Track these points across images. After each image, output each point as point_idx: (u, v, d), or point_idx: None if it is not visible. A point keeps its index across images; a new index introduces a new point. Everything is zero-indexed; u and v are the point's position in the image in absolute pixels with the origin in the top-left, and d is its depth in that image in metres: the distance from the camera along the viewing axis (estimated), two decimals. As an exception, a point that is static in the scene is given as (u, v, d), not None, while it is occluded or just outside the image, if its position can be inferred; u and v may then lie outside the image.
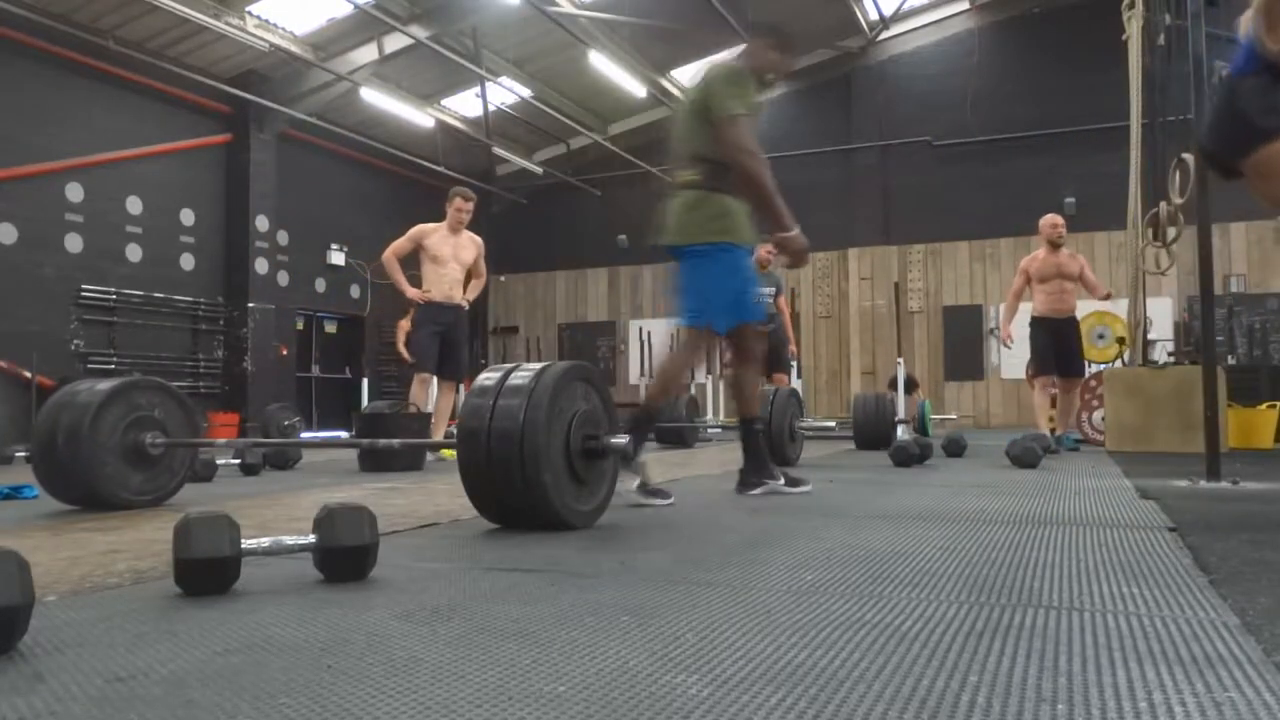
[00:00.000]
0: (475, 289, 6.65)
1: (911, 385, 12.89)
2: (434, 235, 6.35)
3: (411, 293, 6.31)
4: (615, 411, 2.87)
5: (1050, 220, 6.99)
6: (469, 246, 6.47)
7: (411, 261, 6.40)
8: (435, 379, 6.54)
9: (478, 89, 13.88)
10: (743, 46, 3.86)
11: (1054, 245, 6.86)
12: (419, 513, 3.11)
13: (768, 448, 5.44)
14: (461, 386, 6.96)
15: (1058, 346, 6.80)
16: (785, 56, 3.78)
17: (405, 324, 11.73)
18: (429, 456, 6.01)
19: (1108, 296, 7.05)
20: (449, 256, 6.37)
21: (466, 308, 6.55)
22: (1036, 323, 6.89)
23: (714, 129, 3.46)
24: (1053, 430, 7.09)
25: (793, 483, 3.71)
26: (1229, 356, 11.82)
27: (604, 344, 17.10)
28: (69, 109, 10.38)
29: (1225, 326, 12.00)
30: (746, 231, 3.62)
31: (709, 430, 11.57)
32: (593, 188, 16.67)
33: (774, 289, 7.88)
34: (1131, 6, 7.21)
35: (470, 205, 6.44)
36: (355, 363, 14.82)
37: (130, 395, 3.50)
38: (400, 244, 6.35)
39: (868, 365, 15.11)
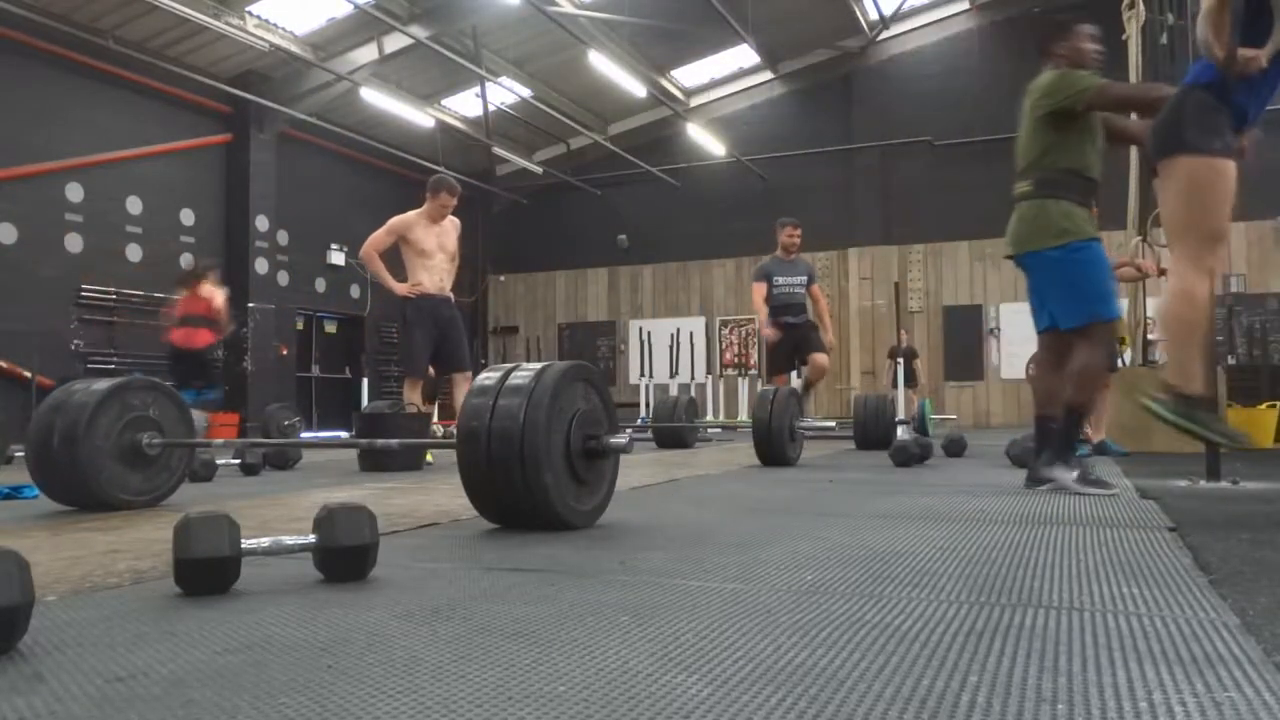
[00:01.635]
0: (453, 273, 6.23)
1: (912, 356, 12.90)
2: (416, 227, 5.94)
3: (400, 288, 5.92)
4: (615, 411, 2.87)
5: None
6: (451, 232, 6.09)
7: (389, 257, 6.02)
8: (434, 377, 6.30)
9: (478, 89, 13.89)
10: (1049, 56, 3.75)
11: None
12: (419, 513, 3.11)
13: (773, 447, 5.47)
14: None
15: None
16: (1092, 39, 3.76)
17: None
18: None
19: (1162, 272, 6.64)
20: (435, 247, 5.98)
21: (454, 299, 6.21)
22: None
23: (1090, 116, 3.56)
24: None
25: (1093, 482, 3.50)
26: (1229, 356, 11.83)
27: (604, 344, 17.11)
28: (69, 109, 10.38)
29: (1225, 326, 12.00)
30: (1090, 227, 3.62)
31: (709, 430, 11.59)
32: (593, 188, 16.67)
33: (805, 277, 7.48)
34: (1131, 6, 7.21)
35: (455, 201, 6.02)
36: (355, 363, 14.83)
37: (126, 396, 3.49)
38: (380, 237, 5.90)
39: (867, 365, 15.11)
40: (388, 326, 15.06)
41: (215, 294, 7.74)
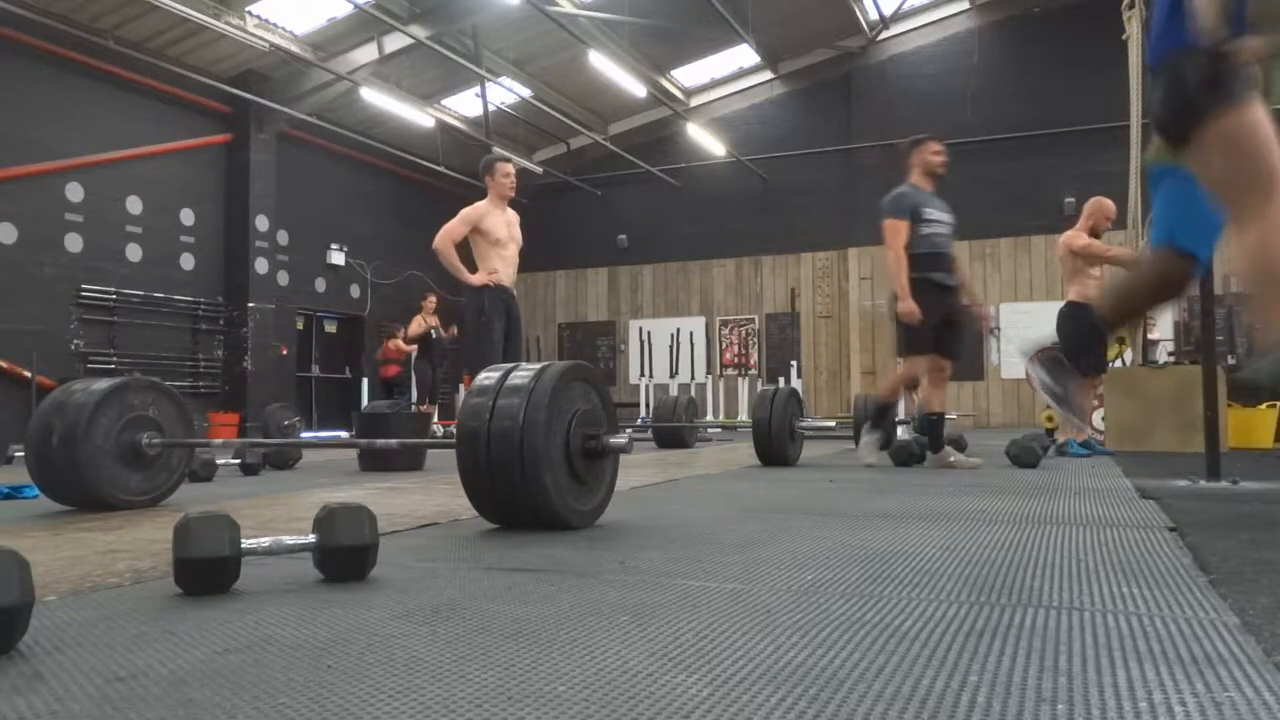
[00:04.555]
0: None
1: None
2: (489, 216, 5.65)
3: (477, 277, 5.57)
4: (614, 411, 2.87)
5: (1112, 206, 6.22)
6: (516, 223, 5.84)
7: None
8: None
9: (478, 89, 13.89)
10: None
11: (1097, 236, 6.21)
12: (419, 513, 3.11)
13: (772, 447, 5.44)
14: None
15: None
16: None
17: (424, 319, 11.83)
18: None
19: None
20: (508, 237, 5.71)
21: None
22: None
23: None
24: (1053, 430, 7.09)
25: None
26: (1229, 356, 11.82)
27: (604, 344, 17.11)
28: (69, 109, 10.38)
29: (1225, 326, 11.98)
30: None
31: (709, 430, 11.58)
32: (593, 188, 16.68)
33: (953, 219, 5.21)
34: (1131, 6, 7.21)
35: (512, 167, 5.78)
36: (355, 363, 14.82)
37: (125, 396, 3.49)
38: (455, 227, 5.60)
39: (868, 365, 15.11)
40: (388, 326, 15.05)
41: (403, 346, 12.15)
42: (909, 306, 4.93)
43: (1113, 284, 3.20)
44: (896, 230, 4.98)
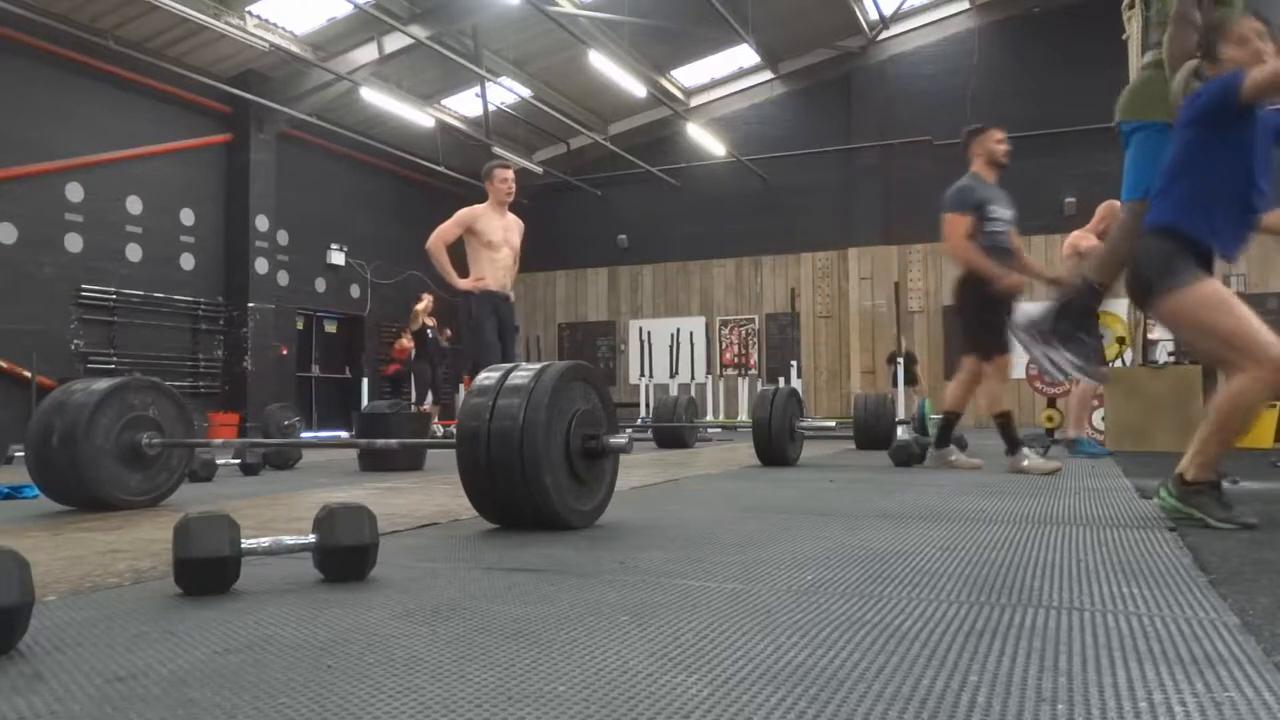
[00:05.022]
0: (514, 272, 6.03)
1: (911, 361, 12.88)
2: (484, 219, 5.73)
3: (463, 283, 5.69)
4: (614, 411, 2.87)
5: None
6: (515, 229, 5.91)
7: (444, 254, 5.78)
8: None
9: (478, 89, 13.88)
10: None
11: (1101, 238, 6.12)
12: (419, 513, 3.11)
13: (772, 447, 5.44)
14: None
15: None
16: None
17: (424, 309, 11.90)
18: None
19: None
20: (501, 241, 5.77)
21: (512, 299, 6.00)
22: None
23: None
24: (1054, 430, 7.09)
25: None
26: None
27: (604, 344, 17.11)
28: (69, 109, 10.38)
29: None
30: None
31: (709, 430, 11.59)
32: (593, 188, 16.68)
33: (1013, 214, 4.97)
34: (1131, 6, 7.20)
35: (511, 173, 5.91)
36: (355, 363, 14.83)
37: (125, 396, 3.49)
38: (448, 229, 5.71)
39: (868, 365, 15.11)
40: (387, 326, 15.06)
41: (406, 344, 12.34)
42: (1014, 279, 4.67)
43: (1099, 252, 3.50)
44: (957, 225, 4.75)
